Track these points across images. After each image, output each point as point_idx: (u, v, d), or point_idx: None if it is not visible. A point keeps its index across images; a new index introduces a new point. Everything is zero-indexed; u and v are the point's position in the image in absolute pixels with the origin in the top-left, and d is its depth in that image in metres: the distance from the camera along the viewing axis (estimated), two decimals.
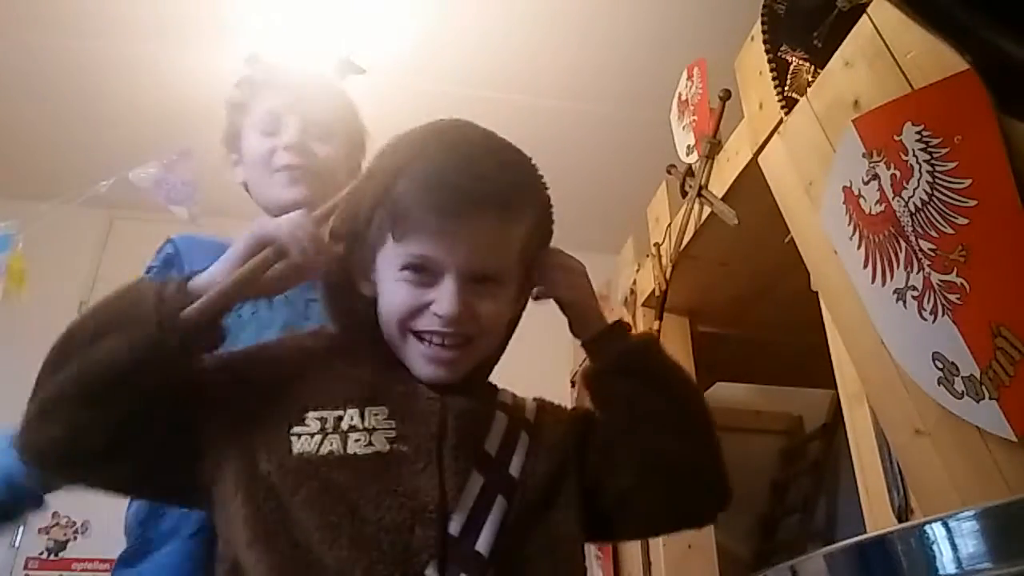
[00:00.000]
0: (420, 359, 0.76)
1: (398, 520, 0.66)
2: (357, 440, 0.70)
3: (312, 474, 0.68)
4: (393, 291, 0.76)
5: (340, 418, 0.71)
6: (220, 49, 2.49)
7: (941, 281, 0.92)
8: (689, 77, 1.80)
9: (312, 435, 0.70)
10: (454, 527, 0.67)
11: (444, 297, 0.73)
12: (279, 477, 0.68)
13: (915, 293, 0.96)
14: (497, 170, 0.76)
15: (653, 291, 1.98)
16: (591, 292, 0.85)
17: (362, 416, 0.72)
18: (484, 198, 0.74)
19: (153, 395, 0.67)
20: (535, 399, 0.87)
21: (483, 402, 0.79)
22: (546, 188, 0.82)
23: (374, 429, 0.71)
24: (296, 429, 0.71)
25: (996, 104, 0.51)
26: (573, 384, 2.54)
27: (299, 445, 0.70)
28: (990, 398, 0.84)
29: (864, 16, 1.09)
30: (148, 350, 0.66)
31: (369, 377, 0.76)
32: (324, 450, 0.69)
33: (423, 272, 0.74)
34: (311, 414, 0.71)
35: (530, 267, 0.81)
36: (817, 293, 1.25)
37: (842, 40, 1.14)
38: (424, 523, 0.67)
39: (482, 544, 0.67)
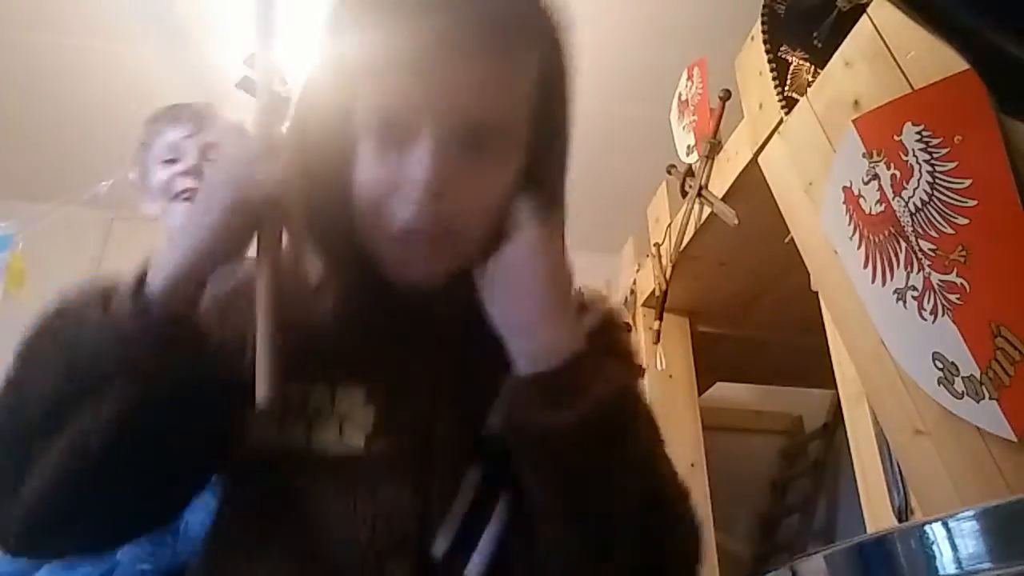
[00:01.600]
0: (399, 258, 0.57)
1: (366, 552, 0.52)
2: (326, 431, 0.55)
3: (265, 475, 0.54)
4: (367, 173, 0.56)
5: (306, 394, 0.55)
6: (224, 50, 2.49)
7: (941, 281, 0.92)
8: (689, 77, 1.80)
9: (269, 421, 0.54)
10: (439, 547, 0.53)
11: (419, 161, 0.53)
12: (232, 475, 0.56)
13: (915, 293, 0.96)
14: None
15: (653, 291, 1.98)
16: (550, 309, 0.56)
17: (332, 397, 0.56)
18: (472, 24, 0.53)
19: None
20: (598, 306, 0.65)
21: (486, 352, 0.55)
22: (562, 28, 0.60)
23: (345, 417, 0.55)
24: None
25: (996, 104, 0.51)
26: None
27: (256, 431, 0.55)
28: (990, 398, 0.84)
29: (864, 16, 1.09)
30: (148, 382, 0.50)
31: (349, 333, 0.59)
32: (283, 440, 0.54)
33: (396, 134, 0.54)
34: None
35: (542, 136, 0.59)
36: (817, 293, 1.25)
37: (842, 40, 1.14)
38: (398, 553, 0.52)
39: (473, 569, 0.53)
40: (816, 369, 1.45)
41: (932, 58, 0.94)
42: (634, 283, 2.17)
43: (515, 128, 0.58)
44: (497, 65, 0.55)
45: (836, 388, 1.25)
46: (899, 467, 1.05)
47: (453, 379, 0.59)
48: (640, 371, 0.71)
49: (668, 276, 1.86)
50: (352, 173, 0.56)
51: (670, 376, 2.03)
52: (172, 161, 1.24)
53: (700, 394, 2.14)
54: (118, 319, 0.50)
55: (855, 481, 1.17)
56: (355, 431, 0.55)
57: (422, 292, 0.58)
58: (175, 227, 1.22)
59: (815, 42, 1.25)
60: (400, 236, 0.55)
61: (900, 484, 1.05)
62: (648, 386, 2.04)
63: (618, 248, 2.40)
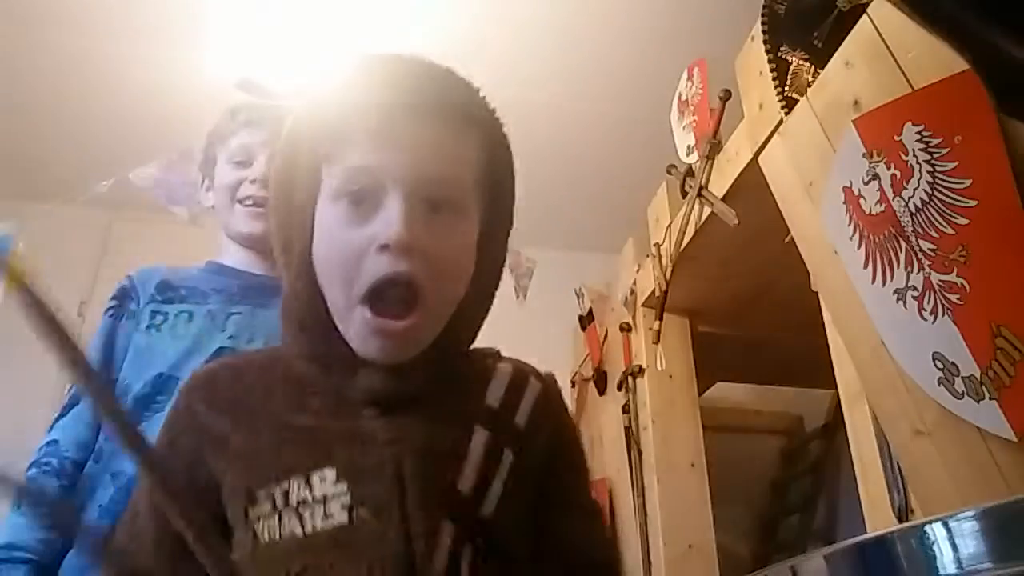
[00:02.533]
0: (363, 331, 0.61)
1: None
2: (313, 514, 0.58)
3: (280, 567, 0.58)
4: (330, 239, 0.61)
5: (287, 492, 0.59)
6: (224, 51, 2.49)
7: (941, 281, 0.92)
8: (689, 77, 1.80)
9: (268, 516, 0.59)
10: None
11: (388, 218, 0.59)
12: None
13: (915, 293, 0.96)
14: (437, 76, 0.66)
15: (653, 291, 1.98)
16: None
17: (308, 485, 0.59)
18: (426, 99, 0.63)
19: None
20: (541, 384, 0.71)
21: (454, 417, 0.63)
22: (500, 122, 0.69)
23: (327, 498, 0.59)
24: (253, 512, 0.60)
25: (996, 104, 0.52)
26: (574, 384, 2.55)
27: (264, 532, 0.59)
28: (990, 398, 0.84)
29: (864, 16, 1.09)
30: None
31: (310, 423, 0.63)
32: (285, 532, 0.58)
33: (363, 197, 0.60)
34: (260, 491, 0.59)
35: (493, 205, 0.67)
36: (817, 293, 1.25)
37: (842, 40, 1.14)
38: None
39: None
40: (816, 369, 1.45)
41: (932, 58, 0.94)
42: (634, 283, 2.17)
43: (467, 191, 0.65)
44: (445, 136, 0.64)
45: (836, 388, 1.25)
46: (899, 467, 1.05)
47: (418, 438, 0.62)
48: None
49: (668, 276, 1.86)
50: (316, 235, 0.63)
51: (670, 376, 2.03)
52: (242, 164, 1.23)
53: (700, 394, 2.14)
54: None
55: (855, 481, 1.17)
56: (337, 508, 0.59)
57: (386, 367, 0.63)
58: (235, 233, 1.23)
59: (815, 42, 1.25)
60: (370, 306, 0.60)
61: (900, 484, 1.05)
62: (648, 386, 2.04)
63: (618, 248, 2.40)
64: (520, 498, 0.64)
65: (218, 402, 0.65)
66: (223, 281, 1.19)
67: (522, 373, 0.71)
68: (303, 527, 0.58)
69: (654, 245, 1.98)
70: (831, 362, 1.24)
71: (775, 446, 3.02)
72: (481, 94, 0.68)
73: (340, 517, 0.58)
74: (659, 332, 1.92)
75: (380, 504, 0.59)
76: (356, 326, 0.61)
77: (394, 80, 0.64)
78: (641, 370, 2.08)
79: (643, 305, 2.12)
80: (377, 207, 0.60)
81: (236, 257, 1.23)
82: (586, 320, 2.49)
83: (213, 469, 0.62)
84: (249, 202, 1.21)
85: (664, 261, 1.89)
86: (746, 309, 2.10)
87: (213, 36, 2.55)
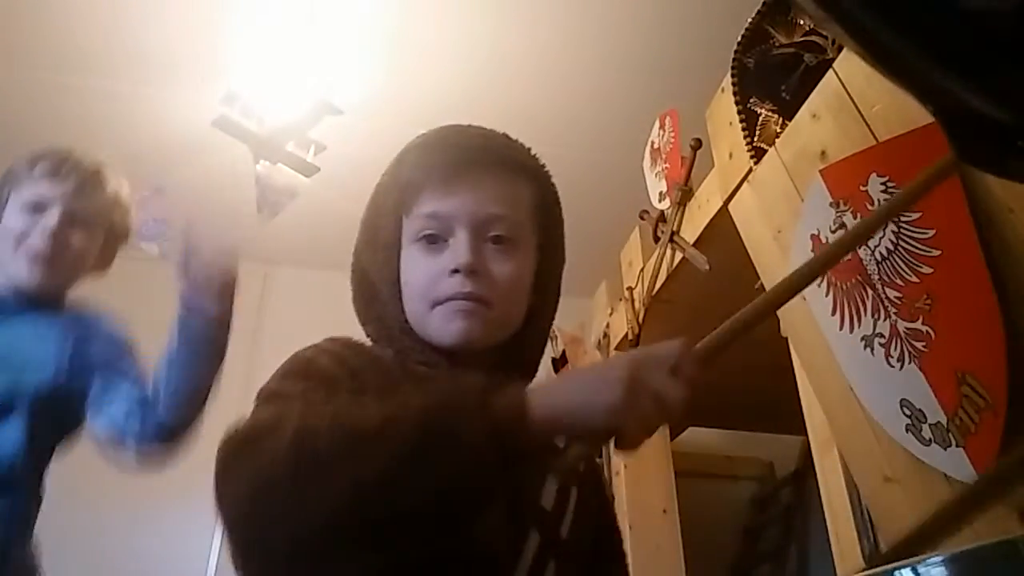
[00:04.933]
0: (442, 322, 0.73)
1: None
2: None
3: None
4: (412, 268, 0.76)
5: None
6: (199, 89, 2.49)
7: (907, 329, 0.93)
8: (661, 126, 1.84)
9: None
10: None
11: (457, 249, 0.73)
12: None
13: (882, 340, 0.98)
14: (495, 137, 0.81)
15: (626, 334, 1.99)
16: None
17: None
18: (484, 155, 0.78)
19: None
20: None
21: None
22: (548, 174, 0.83)
23: None
24: None
25: (956, 152, 0.53)
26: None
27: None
28: (957, 445, 0.85)
29: (830, 71, 1.12)
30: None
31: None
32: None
33: (437, 237, 0.75)
34: None
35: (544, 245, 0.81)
36: (787, 339, 1.26)
37: (809, 93, 1.17)
38: None
39: None
40: (786, 415, 1.45)
41: (895, 112, 0.98)
42: (607, 326, 2.18)
43: (522, 229, 0.78)
44: (501, 183, 0.78)
45: (806, 434, 1.25)
46: (869, 514, 1.05)
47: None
48: None
49: (641, 320, 1.87)
50: (401, 271, 0.77)
51: None
52: (36, 211, 1.22)
53: (672, 439, 2.14)
54: (502, 431, 0.52)
55: (826, 528, 1.17)
56: None
57: (471, 365, 0.72)
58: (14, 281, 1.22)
59: (783, 95, 1.28)
60: (446, 304, 0.73)
61: (870, 531, 1.05)
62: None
63: (592, 292, 2.41)
64: (583, 533, 0.73)
65: (366, 370, 0.71)
66: None
67: None
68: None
69: (627, 289, 1.99)
70: (801, 408, 1.24)
71: (746, 492, 3.02)
72: (529, 150, 0.83)
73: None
74: None
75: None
76: (436, 317, 0.74)
77: (458, 142, 0.79)
78: None
79: (616, 348, 2.12)
80: (448, 243, 0.75)
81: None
82: (559, 363, 2.48)
83: None
84: (32, 252, 1.20)
85: (637, 305, 1.90)
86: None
87: (194, 76, 2.55)
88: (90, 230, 1.26)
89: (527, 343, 0.80)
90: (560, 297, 0.85)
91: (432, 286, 0.74)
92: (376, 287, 0.79)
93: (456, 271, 0.73)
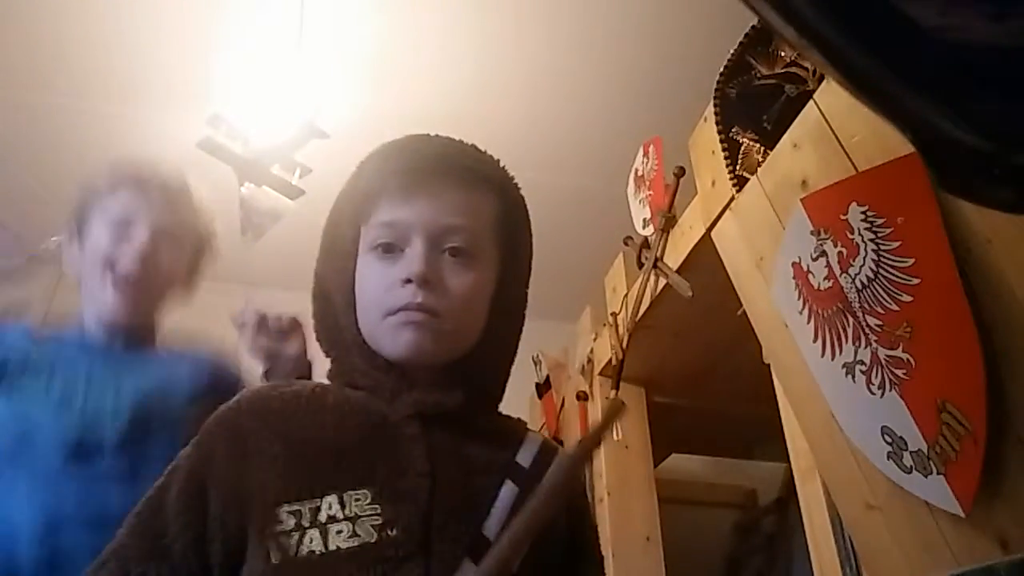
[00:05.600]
0: (392, 333, 0.71)
1: None
2: (340, 532, 0.62)
3: None
4: (366, 278, 0.74)
5: (317, 509, 0.63)
6: (187, 110, 2.49)
7: (888, 356, 0.94)
8: (645, 154, 1.86)
9: (289, 533, 0.62)
10: None
11: (411, 259, 0.71)
12: None
13: (863, 368, 0.98)
14: (458, 146, 0.78)
15: (610, 360, 1.99)
16: None
17: (342, 504, 0.63)
18: (445, 164, 0.75)
19: None
20: (568, 456, 0.74)
21: (487, 465, 0.70)
22: (515, 185, 0.81)
23: (358, 517, 0.63)
24: (269, 530, 0.62)
25: (935, 181, 0.54)
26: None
27: (277, 550, 0.61)
28: (938, 473, 0.85)
29: (811, 102, 1.14)
30: None
31: (352, 443, 0.68)
32: (304, 550, 0.61)
33: (393, 247, 0.73)
34: (285, 508, 0.63)
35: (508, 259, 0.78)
36: (769, 366, 1.26)
37: (790, 123, 1.19)
38: None
39: None
40: (769, 442, 1.45)
41: (875, 142, 0.99)
42: (591, 352, 2.18)
43: (482, 241, 0.75)
44: (461, 193, 0.75)
45: (789, 461, 1.25)
46: (851, 542, 1.05)
47: (453, 472, 0.68)
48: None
49: (624, 346, 1.87)
50: (356, 280, 0.75)
51: (626, 447, 2.02)
52: (122, 231, 1.14)
53: (655, 465, 2.13)
54: None
55: (809, 556, 1.16)
56: (366, 526, 0.62)
57: (418, 389, 0.71)
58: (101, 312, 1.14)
59: (765, 124, 1.30)
60: (398, 315, 0.70)
61: (853, 559, 1.04)
62: (604, 457, 2.02)
63: (576, 316, 2.41)
64: (543, 560, 0.67)
65: (269, 421, 0.69)
66: (84, 354, 1.13)
67: (551, 443, 0.79)
68: (326, 544, 0.61)
69: (611, 315, 2.00)
70: (784, 435, 1.24)
71: (729, 520, 3.00)
72: (498, 162, 0.80)
73: (367, 535, 0.62)
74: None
75: (408, 529, 0.62)
76: (386, 327, 0.71)
77: (417, 149, 0.77)
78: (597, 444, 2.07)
79: (600, 374, 2.12)
80: (403, 252, 0.72)
81: (96, 330, 1.16)
82: (543, 388, 2.48)
83: (247, 486, 0.65)
84: (123, 277, 1.13)
85: (620, 331, 1.90)
86: (700, 380, 2.12)
87: (183, 99, 2.55)
88: (180, 244, 1.20)
89: (487, 362, 0.77)
90: (525, 315, 0.81)
91: (385, 296, 0.72)
92: (331, 297, 0.77)
93: (409, 281, 0.70)
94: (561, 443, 2.33)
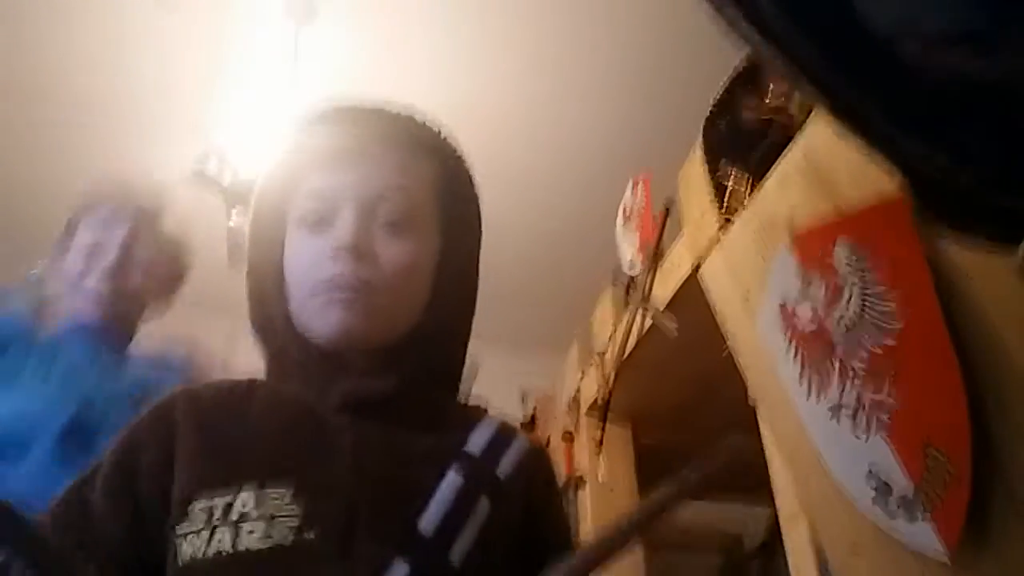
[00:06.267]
0: (321, 311, 0.65)
1: None
2: (251, 532, 0.55)
3: None
4: (294, 253, 0.69)
5: (230, 505, 0.57)
6: (181, 138, 2.50)
7: (873, 399, 0.93)
8: (633, 189, 1.86)
9: (199, 532, 0.56)
10: None
11: (340, 228, 0.66)
12: None
13: (849, 411, 0.97)
14: (391, 112, 0.73)
15: (596, 399, 1.97)
16: None
17: (257, 501, 0.57)
18: (375, 130, 0.71)
19: None
20: (530, 444, 0.70)
21: (427, 453, 0.63)
22: (457, 151, 0.75)
23: (273, 516, 0.56)
24: (180, 528, 0.57)
25: (919, 214, 0.54)
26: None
27: (186, 549, 0.56)
28: (923, 518, 0.83)
29: (797, 141, 1.15)
30: None
31: (275, 434, 0.62)
32: (211, 550, 0.55)
33: (322, 219, 0.68)
34: (197, 504, 0.57)
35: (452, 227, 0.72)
36: (755, 407, 1.25)
37: (776, 161, 1.19)
38: None
39: None
40: (755, 485, 1.43)
41: (861, 181, 0.99)
42: (577, 391, 2.16)
43: (418, 209, 0.71)
44: (394, 159, 0.71)
45: (774, 505, 1.23)
46: None
47: (383, 462, 0.62)
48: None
49: (611, 384, 1.85)
50: (284, 258, 0.70)
51: (611, 489, 1.99)
52: (94, 252, 1.22)
53: None
54: None
55: None
56: (282, 528, 0.56)
57: (347, 379, 0.65)
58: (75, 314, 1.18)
59: (752, 162, 1.30)
60: (325, 291, 0.65)
61: None
62: (589, 498, 1.99)
63: (565, 351, 2.40)
64: (496, 553, 0.61)
65: (196, 415, 0.64)
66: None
67: (511, 428, 0.72)
68: (235, 545, 0.55)
69: (598, 354, 1.98)
70: (769, 477, 1.22)
71: (714, 564, 2.95)
72: (439, 130, 0.75)
73: (281, 537, 0.55)
74: (601, 441, 1.89)
75: (327, 530, 0.56)
76: (315, 306, 0.66)
77: (350, 116, 0.72)
78: (582, 481, 2.04)
79: (586, 413, 2.10)
80: (333, 223, 0.67)
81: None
82: (528, 426, 2.45)
83: (166, 481, 0.60)
84: (91, 290, 1.19)
85: (607, 369, 1.89)
86: (687, 420, 2.09)
87: (171, 133, 2.56)
88: (150, 265, 1.26)
89: (432, 341, 0.69)
90: (476, 292, 0.75)
91: (312, 270, 0.66)
92: (260, 280, 0.71)
93: (338, 253, 0.65)
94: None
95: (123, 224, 1.24)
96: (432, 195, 0.72)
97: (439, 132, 0.75)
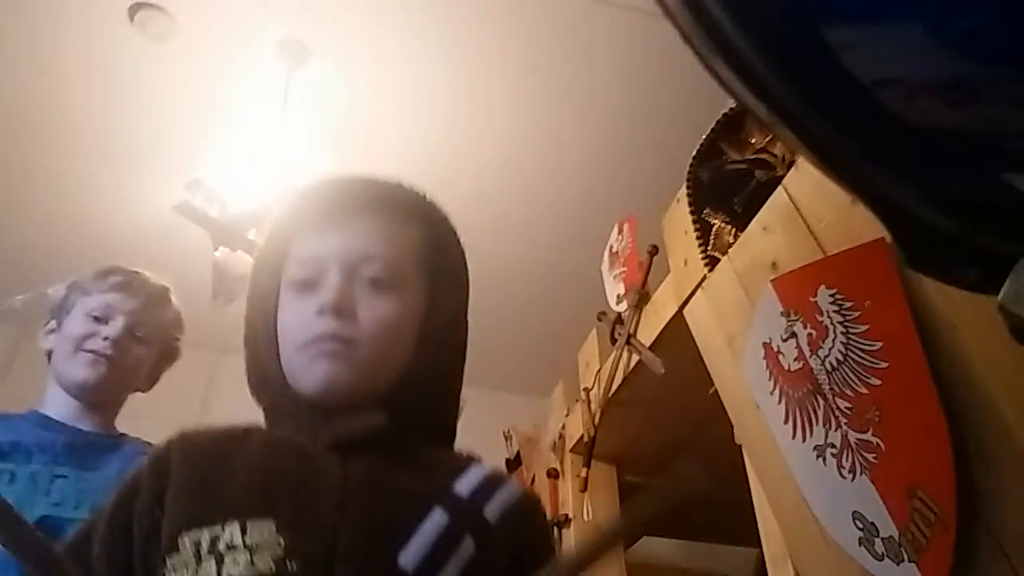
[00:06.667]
0: (308, 365, 0.70)
1: None
2: (236, 562, 0.58)
3: None
4: (285, 314, 0.74)
5: (217, 537, 0.59)
6: (169, 175, 2.51)
7: (858, 440, 0.93)
8: (620, 231, 1.89)
9: (187, 563, 0.59)
10: None
11: (325, 289, 0.71)
12: None
13: (834, 451, 0.97)
14: (378, 180, 0.78)
15: (581, 437, 1.96)
16: None
17: (244, 532, 0.60)
18: (362, 196, 0.76)
19: None
20: (522, 492, 0.73)
21: (414, 491, 0.66)
22: (445, 215, 0.80)
23: (257, 548, 0.59)
24: (170, 560, 0.60)
25: (903, 259, 0.55)
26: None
27: None
28: (909, 561, 0.83)
29: (780, 187, 1.17)
30: None
31: (263, 471, 0.66)
32: None
33: (310, 281, 0.73)
34: (185, 536, 0.60)
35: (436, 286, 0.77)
36: (741, 447, 1.25)
37: (760, 206, 1.22)
38: None
39: None
40: (742, 525, 1.43)
41: (843, 226, 1.01)
42: (563, 428, 2.15)
43: (405, 272, 0.75)
44: (383, 223, 0.76)
45: (761, 546, 1.23)
46: None
47: (367, 499, 0.64)
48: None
49: (597, 422, 1.85)
50: (278, 320, 0.74)
51: (597, 528, 1.97)
52: (99, 320, 1.24)
53: (626, 549, 2.08)
54: None
55: None
56: (266, 559, 0.58)
57: (338, 418, 0.68)
58: (70, 382, 1.20)
59: (736, 207, 1.33)
60: (312, 347, 0.69)
61: None
62: (574, 538, 1.97)
63: (549, 391, 2.39)
64: None
65: (191, 455, 0.68)
66: (48, 437, 1.16)
67: (502, 474, 0.76)
68: (219, 573, 0.57)
69: (583, 390, 1.98)
70: (755, 518, 1.22)
71: None
72: (424, 195, 0.79)
73: (265, 568, 0.58)
74: (586, 479, 1.88)
75: (310, 559, 0.58)
76: (302, 361, 0.70)
77: (336, 184, 0.77)
78: (568, 520, 2.02)
79: (571, 451, 2.09)
80: (319, 285, 0.72)
81: (63, 410, 1.21)
82: (513, 464, 2.43)
83: (158, 519, 0.63)
84: (91, 353, 1.21)
85: (593, 407, 1.89)
86: (673, 459, 2.09)
87: (153, 169, 2.56)
88: (148, 346, 1.29)
89: (416, 392, 0.72)
90: (465, 347, 0.78)
91: (301, 329, 0.71)
92: (255, 338, 0.76)
93: (323, 311, 0.70)
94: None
95: (132, 299, 1.28)
96: (417, 256, 0.77)
97: (424, 197, 0.80)
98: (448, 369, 0.77)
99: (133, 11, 2.27)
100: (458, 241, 0.81)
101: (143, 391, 1.35)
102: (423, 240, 0.78)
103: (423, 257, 0.77)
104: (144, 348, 1.29)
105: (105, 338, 1.22)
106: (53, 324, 1.29)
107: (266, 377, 0.74)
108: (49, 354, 1.27)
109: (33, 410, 1.22)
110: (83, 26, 2.29)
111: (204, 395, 3.16)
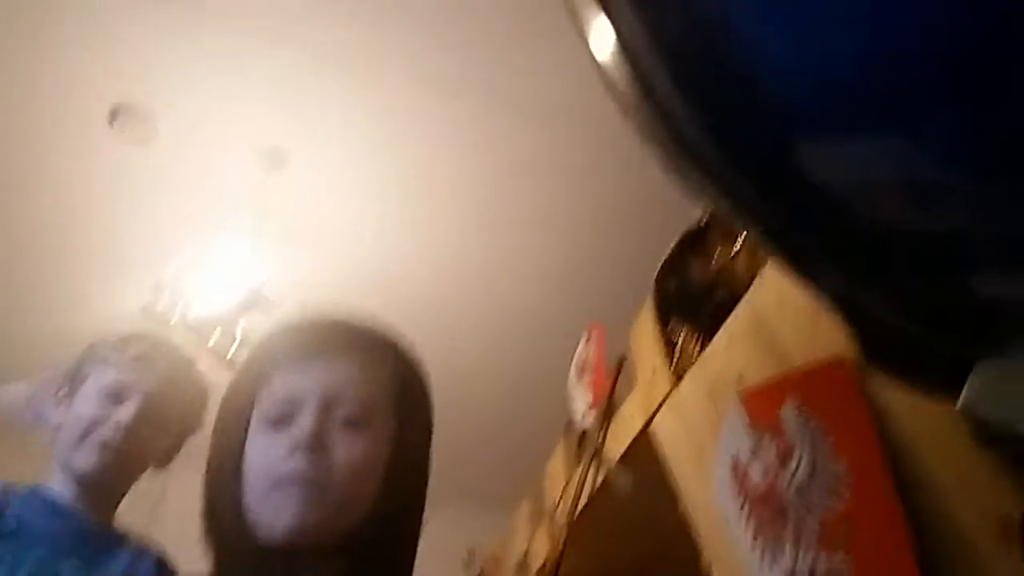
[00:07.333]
0: (276, 506, 0.70)
1: None
2: None
3: None
4: (256, 451, 0.74)
5: None
6: (117, 284, 2.50)
7: (828, 567, 0.90)
8: (587, 340, 1.88)
9: None
10: None
11: (299, 427, 0.72)
12: None
13: (804, 572, 0.94)
14: (351, 319, 0.82)
15: (544, 563, 1.88)
16: None
17: None
18: (335, 334, 0.80)
19: None
20: None
21: None
22: (413, 355, 0.84)
23: None
24: None
25: (866, 362, 0.55)
26: None
27: None
28: None
29: (745, 300, 1.18)
30: None
31: None
32: None
33: (283, 418, 0.74)
34: None
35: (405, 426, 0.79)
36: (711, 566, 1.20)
37: (725, 319, 1.22)
38: None
39: None
40: None
41: (808, 341, 1.02)
42: (526, 553, 2.07)
43: (377, 410, 0.77)
44: (356, 362, 0.78)
45: None
46: None
47: None
48: None
49: (563, 542, 1.78)
50: (244, 455, 0.75)
51: None
52: (112, 400, 1.17)
53: None
54: None
55: None
56: None
57: (298, 566, 0.70)
58: (74, 468, 1.14)
59: (701, 320, 1.34)
60: (282, 485, 0.70)
61: None
62: None
63: (515, 506, 2.32)
64: None
65: None
66: (55, 524, 1.09)
67: None
68: None
69: (549, 511, 1.92)
70: None
71: None
72: (393, 331, 0.83)
73: None
74: None
75: None
76: (270, 501, 0.70)
77: (310, 323, 0.81)
78: None
79: (536, 575, 1.99)
80: (293, 421, 0.73)
81: (66, 491, 1.14)
82: None
83: None
84: (99, 440, 1.14)
85: (558, 527, 1.82)
86: None
87: (112, 271, 2.55)
88: (165, 431, 1.22)
89: (379, 534, 0.75)
90: (426, 487, 0.82)
91: (272, 467, 0.72)
92: (216, 476, 0.76)
93: (295, 449, 0.71)
94: None
95: (151, 376, 1.20)
96: (388, 394, 0.80)
97: (394, 336, 0.85)
98: (412, 506, 0.82)
99: (113, 115, 2.31)
100: (424, 381, 0.85)
101: (159, 470, 1.27)
102: (392, 378, 0.81)
103: (393, 395, 0.80)
104: (159, 433, 1.21)
105: (116, 423, 1.15)
106: (65, 390, 1.21)
107: (223, 519, 0.74)
108: (54, 428, 1.19)
109: (38, 486, 1.15)
110: (61, 128, 2.33)
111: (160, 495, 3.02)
